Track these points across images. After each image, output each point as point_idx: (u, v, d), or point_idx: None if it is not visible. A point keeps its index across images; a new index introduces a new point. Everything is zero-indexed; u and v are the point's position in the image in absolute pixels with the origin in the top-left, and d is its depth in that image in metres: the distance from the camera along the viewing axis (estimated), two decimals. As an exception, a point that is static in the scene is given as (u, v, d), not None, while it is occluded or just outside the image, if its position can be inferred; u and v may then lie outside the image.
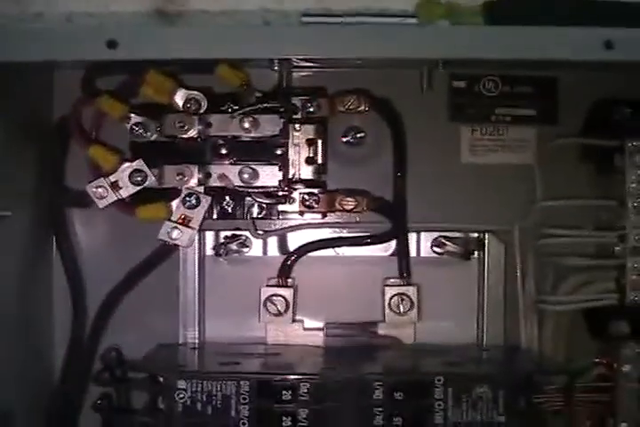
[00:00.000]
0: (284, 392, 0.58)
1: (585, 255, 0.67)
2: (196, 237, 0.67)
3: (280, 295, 0.67)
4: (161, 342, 0.67)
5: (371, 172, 0.69)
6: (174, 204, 0.65)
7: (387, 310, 0.67)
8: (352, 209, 0.65)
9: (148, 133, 0.64)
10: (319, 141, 0.65)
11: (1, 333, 0.62)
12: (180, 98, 0.63)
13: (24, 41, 0.56)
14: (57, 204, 0.68)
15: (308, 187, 0.66)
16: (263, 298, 0.67)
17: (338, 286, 0.69)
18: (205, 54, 0.57)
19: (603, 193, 0.67)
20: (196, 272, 0.68)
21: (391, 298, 0.67)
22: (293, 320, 0.67)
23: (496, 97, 0.69)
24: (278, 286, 0.67)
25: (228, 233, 0.69)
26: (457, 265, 0.68)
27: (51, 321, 0.69)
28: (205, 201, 0.64)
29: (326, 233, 0.69)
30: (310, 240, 0.68)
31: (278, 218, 0.67)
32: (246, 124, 0.63)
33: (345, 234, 0.69)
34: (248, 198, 0.66)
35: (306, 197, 0.65)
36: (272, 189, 0.65)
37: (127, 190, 0.64)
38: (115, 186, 0.64)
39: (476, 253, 0.68)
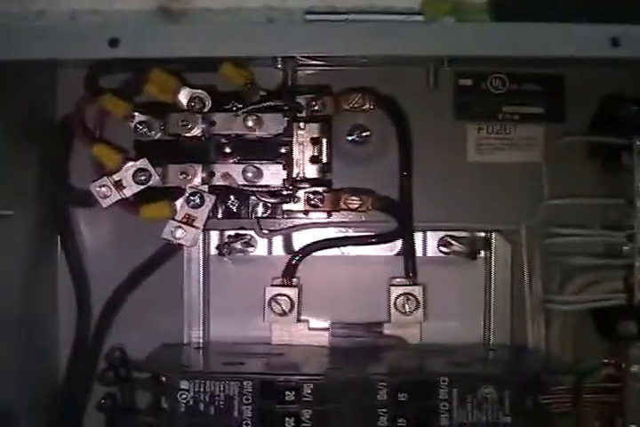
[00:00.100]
0: (287, 393, 0.57)
1: (593, 255, 0.66)
2: (201, 237, 0.67)
3: (285, 295, 0.66)
4: (165, 342, 0.67)
5: (377, 171, 0.68)
6: (178, 203, 0.64)
7: (392, 310, 0.66)
8: (357, 208, 0.65)
9: (152, 132, 0.64)
10: (324, 140, 0.65)
11: (5, 332, 0.62)
12: (184, 96, 0.63)
13: (25, 39, 0.56)
14: (61, 203, 0.68)
15: (313, 186, 0.65)
16: (268, 298, 0.66)
17: (343, 285, 0.68)
18: (208, 52, 0.57)
19: (610, 191, 0.66)
20: (201, 272, 0.68)
21: (397, 298, 0.66)
22: (298, 320, 0.67)
23: (503, 95, 0.68)
24: (283, 285, 0.67)
25: (232, 232, 0.68)
26: (463, 265, 0.68)
27: (55, 320, 0.69)
28: (209, 200, 0.64)
29: (332, 232, 0.68)
30: (315, 240, 0.68)
31: (283, 217, 0.67)
32: (250, 123, 0.62)
33: (350, 233, 0.68)
34: (253, 197, 0.66)
35: (311, 196, 0.65)
36: (276, 188, 0.64)
37: (131, 189, 0.64)
38: (118, 185, 0.63)
39: (482, 252, 0.67)
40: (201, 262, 0.68)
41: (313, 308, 0.68)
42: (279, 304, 0.66)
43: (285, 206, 0.66)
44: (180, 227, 0.64)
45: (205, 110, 0.63)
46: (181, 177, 0.63)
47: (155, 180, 0.64)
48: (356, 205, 0.65)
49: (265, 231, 0.67)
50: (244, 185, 0.64)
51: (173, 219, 0.64)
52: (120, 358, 0.65)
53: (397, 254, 0.67)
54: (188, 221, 0.64)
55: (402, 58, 0.60)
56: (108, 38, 0.56)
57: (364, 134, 0.68)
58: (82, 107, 0.64)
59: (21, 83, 0.62)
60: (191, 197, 0.64)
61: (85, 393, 0.67)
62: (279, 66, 0.63)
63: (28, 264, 0.66)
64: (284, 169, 0.64)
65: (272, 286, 0.67)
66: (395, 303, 0.66)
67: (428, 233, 0.68)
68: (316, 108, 0.64)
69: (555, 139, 0.67)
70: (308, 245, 0.67)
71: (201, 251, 0.68)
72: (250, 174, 0.63)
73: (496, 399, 0.58)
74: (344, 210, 0.66)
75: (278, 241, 0.69)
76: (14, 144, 0.63)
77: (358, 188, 0.66)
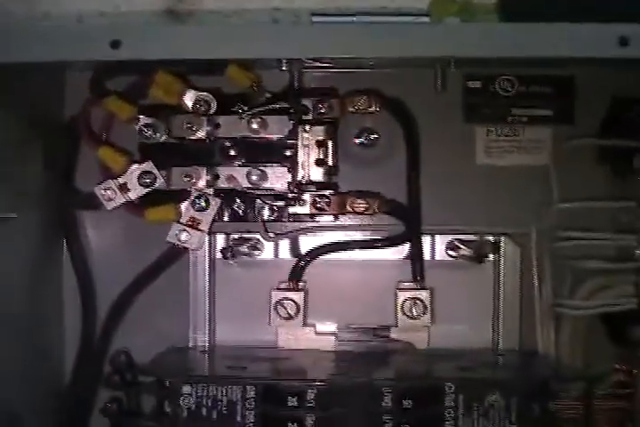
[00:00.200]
0: (290, 398, 0.57)
1: (603, 258, 0.65)
2: (207, 240, 0.66)
3: (290, 299, 0.66)
4: (171, 345, 0.67)
5: (385, 173, 0.67)
6: (183, 206, 0.64)
7: (399, 314, 0.66)
8: (363, 211, 0.64)
9: (157, 135, 0.64)
10: (329, 143, 0.64)
11: (10, 334, 0.62)
12: (189, 99, 0.63)
13: (27, 41, 0.56)
14: (67, 206, 0.68)
15: (319, 189, 0.65)
16: (273, 301, 0.66)
17: (351, 289, 0.68)
18: (211, 54, 0.56)
19: (621, 194, 0.66)
20: (207, 275, 0.67)
21: (404, 302, 0.66)
22: (304, 324, 0.66)
23: (512, 97, 0.67)
24: (289, 289, 0.66)
25: (236, 236, 0.67)
26: (472, 268, 0.67)
27: (61, 323, 0.69)
28: (215, 203, 0.64)
29: (339, 236, 0.68)
30: (322, 243, 0.67)
31: (289, 220, 0.66)
32: (255, 126, 0.62)
33: (358, 237, 0.67)
34: (259, 200, 0.65)
35: (317, 199, 0.65)
36: (282, 191, 0.64)
37: (136, 192, 0.63)
38: (123, 188, 0.63)
39: (491, 256, 0.66)
40: (207, 266, 0.67)
41: (320, 312, 0.67)
42: (285, 308, 0.65)
43: (291, 209, 0.65)
44: (184, 230, 0.63)
45: (211, 113, 0.63)
46: (186, 180, 0.63)
47: (160, 182, 0.63)
48: (362, 209, 0.64)
49: (271, 235, 0.67)
50: (249, 188, 0.63)
51: (178, 222, 0.64)
52: (125, 362, 0.65)
53: (405, 258, 0.67)
54: (193, 225, 0.64)
55: (408, 59, 0.59)
56: (110, 40, 0.55)
57: (373, 137, 0.68)
58: (87, 109, 0.64)
59: (27, 84, 0.62)
60: (196, 200, 0.64)
61: (91, 396, 0.67)
62: (284, 68, 0.62)
63: (33, 266, 0.66)
64: (288, 172, 0.64)
65: (278, 289, 0.66)
66: (402, 307, 0.65)
67: (437, 236, 0.67)
68: (323, 110, 0.63)
69: (564, 141, 0.66)
70: (315, 248, 0.67)
71: (207, 254, 0.67)
72: (254, 177, 0.63)
73: (503, 407, 0.57)
74: (350, 213, 0.65)
75: (285, 244, 0.68)
76: (24, 146, 0.63)
77: (364, 191, 0.66)
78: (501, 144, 0.68)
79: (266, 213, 0.66)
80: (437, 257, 0.67)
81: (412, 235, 0.66)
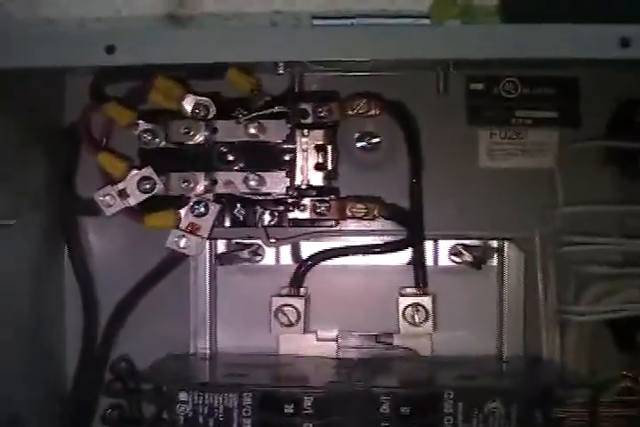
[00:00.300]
0: (287, 405, 0.56)
1: (609, 263, 0.64)
2: (207, 245, 0.66)
3: (291, 305, 0.65)
4: (172, 352, 0.66)
5: (388, 177, 0.67)
6: (183, 211, 0.63)
7: (401, 321, 0.65)
8: (362, 216, 0.63)
9: (157, 140, 0.63)
10: (329, 147, 0.63)
11: (13, 337, 0.62)
12: (188, 104, 0.62)
13: (24, 46, 0.55)
14: (68, 211, 0.68)
15: (319, 193, 0.64)
16: (274, 308, 0.65)
17: (352, 295, 0.67)
18: (209, 58, 0.55)
19: (627, 198, 0.64)
20: (208, 281, 0.67)
21: (405, 308, 0.65)
22: (305, 331, 0.66)
23: (515, 99, 0.66)
24: (289, 295, 0.65)
25: (237, 241, 0.67)
26: (475, 274, 0.66)
27: (62, 325, 0.69)
28: (214, 209, 0.63)
29: (342, 241, 0.67)
30: (323, 249, 0.66)
31: (289, 226, 0.66)
32: (252, 130, 0.62)
33: (360, 242, 0.66)
34: (259, 206, 0.65)
35: (317, 204, 0.64)
36: (280, 196, 0.63)
37: (136, 198, 0.63)
38: (123, 194, 0.63)
39: (488, 262, 0.66)
40: (207, 271, 0.67)
41: (321, 318, 0.67)
42: (285, 315, 0.65)
43: (291, 215, 0.65)
44: (183, 236, 0.63)
45: (209, 118, 0.62)
46: (183, 185, 0.63)
47: (159, 188, 0.63)
48: (362, 214, 0.63)
49: (272, 240, 0.66)
50: (246, 193, 0.63)
51: (177, 228, 0.63)
52: (125, 369, 0.65)
53: (408, 263, 0.66)
54: (193, 230, 0.63)
55: (409, 62, 0.58)
56: (105, 45, 0.55)
57: (374, 141, 0.67)
58: (87, 114, 0.64)
59: (27, 89, 0.62)
60: (195, 206, 0.63)
61: (93, 402, 0.67)
62: (280, 72, 0.61)
63: (35, 269, 0.65)
64: (287, 176, 0.63)
65: (278, 296, 0.66)
66: (403, 314, 0.65)
67: (439, 242, 0.66)
68: (322, 114, 0.63)
69: (569, 144, 0.65)
70: (316, 254, 0.66)
71: (207, 260, 0.67)
72: (252, 182, 0.62)
73: (503, 414, 0.56)
74: (350, 218, 0.64)
75: (286, 250, 0.67)
76: (24, 152, 0.63)
77: (364, 195, 0.65)
78: (505, 147, 0.67)
79: (266, 218, 0.65)
80: (440, 262, 0.66)
81: (414, 240, 0.65)
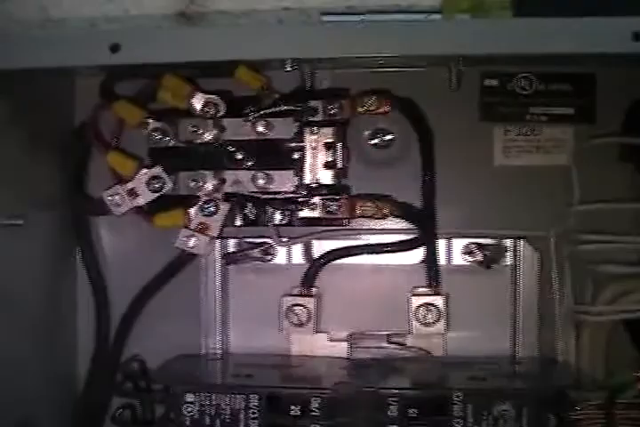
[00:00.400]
0: (293, 407, 0.56)
1: (626, 262, 0.63)
2: (218, 245, 0.66)
3: (302, 305, 0.64)
4: (184, 352, 0.66)
5: (400, 175, 0.66)
6: (192, 211, 0.63)
7: (413, 321, 0.64)
8: (372, 215, 0.62)
9: (167, 139, 0.63)
10: (338, 145, 0.62)
11: (25, 340, 0.62)
12: (198, 102, 0.62)
13: (28, 47, 0.55)
14: (79, 211, 0.67)
15: (330, 192, 0.63)
16: (284, 308, 0.64)
17: (364, 295, 0.66)
18: (214, 56, 0.55)
19: (645, 195, 0.63)
20: (218, 280, 0.66)
21: (417, 308, 0.64)
22: (316, 331, 0.65)
23: (530, 95, 0.65)
24: (300, 295, 0.65)
25: (248, 240, 0.66)
26: (489, 273, 0.65)
27: (74, 329, 0.69)
28: (224, 208, 0.63)
29: (353, 240, 0.66)
30: (334, 248, 0.65)
31: (300, 225, 0.65)
32: (260, 128, 0.61)
33: (371, 241, 0.66)
34: (269, 205, 0.64)
35: (327, 202, 0.63)
36: (290, 195, 0.62)
37: (145, 197, 0.63)
38: (132, 193, 0.62)
39: (508, 260, 0.64)
40: (218, 271, 0.66)
41: (333, 318, 0.66)
42: (296, 315, 0.64)
43: (301, 214, 0.64)
44: (193, 235, 0.62)
45: (219, 116, 0.61)
46: (192, 184, 0.62)
47: (169, 187, 0.63)
48: (371, 212, 0.62)
49: (283, 239, 0.65)
50: (255, 192, 0.62)
51: (186, 227, 0.63)
52: (137, 369, 0.65)
53: (420, 263, 0.65)
54: (202, 230, 0.63)
55: (420, 57, 0.57)
56: (110, 44, 0.54)
57: (387, 138, 0.66)
58: (97, 114, 0.64)
59: (36, 90, 0.62)
60: (205, 206, 0.62)
61: (106, 403, 0.67)
62: (288, 69, 0.60)
63: (47, 272, 0.66)
64: (295, 175, 0.62)
65: (289, 295, 0.65)
66: (415, 314, 0.64)
67: (453, 240, 0.65)
68: (332, 111, 0.62)
69: (585, 140, 0.64)
70: (327, 253, 0.65)
71: (218, 259, 0.66)
72: (261, 181, 0.61)
73: (513, 417, 0.55)
74: (360, 217, 0.63)
75: (297, 249, 0.66)
76: (35, 152, 0.63)
77: (374, 194, 0.64)
78: (520, 144, 0.65)
79: (277, 217, 0.64)
80: (453, 262, 0.65)
81: (426, 239, 0.64)
